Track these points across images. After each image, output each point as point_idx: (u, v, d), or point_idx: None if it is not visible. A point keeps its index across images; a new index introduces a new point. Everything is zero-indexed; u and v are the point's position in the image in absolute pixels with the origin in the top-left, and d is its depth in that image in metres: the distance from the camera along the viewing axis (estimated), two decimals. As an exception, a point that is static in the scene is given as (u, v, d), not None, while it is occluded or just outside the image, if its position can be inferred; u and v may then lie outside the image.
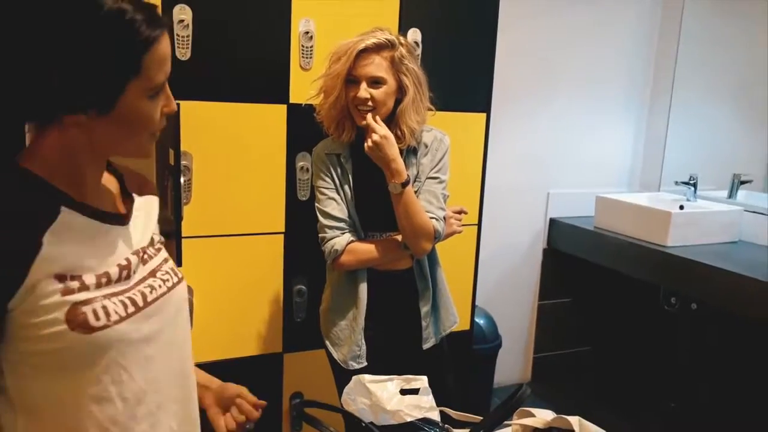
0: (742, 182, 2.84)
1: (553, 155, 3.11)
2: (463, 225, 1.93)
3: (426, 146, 1.74)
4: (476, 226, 2.47)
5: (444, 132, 1.80)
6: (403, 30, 2.19)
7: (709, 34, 3.03)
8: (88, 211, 0.82)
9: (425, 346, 1.81)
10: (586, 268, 3.07)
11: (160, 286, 0.91)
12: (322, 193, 1.72)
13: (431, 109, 1.74)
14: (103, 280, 0.81)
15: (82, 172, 0.83)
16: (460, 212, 1.91)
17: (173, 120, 1.74)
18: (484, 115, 2.40)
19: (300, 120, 2.08)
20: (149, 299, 0.87)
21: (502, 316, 2.93)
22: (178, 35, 1.87)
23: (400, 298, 1.80)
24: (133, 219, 0.91)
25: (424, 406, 1.15)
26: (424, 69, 1.71)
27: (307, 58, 2.06)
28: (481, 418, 1.11)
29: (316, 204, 1.74)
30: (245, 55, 2.00)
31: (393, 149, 1.61)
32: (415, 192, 1.70)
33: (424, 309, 1.80)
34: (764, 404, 2.65)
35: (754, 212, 2.73)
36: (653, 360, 3.20)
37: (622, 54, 3.18)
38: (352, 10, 2.11)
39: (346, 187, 1.72)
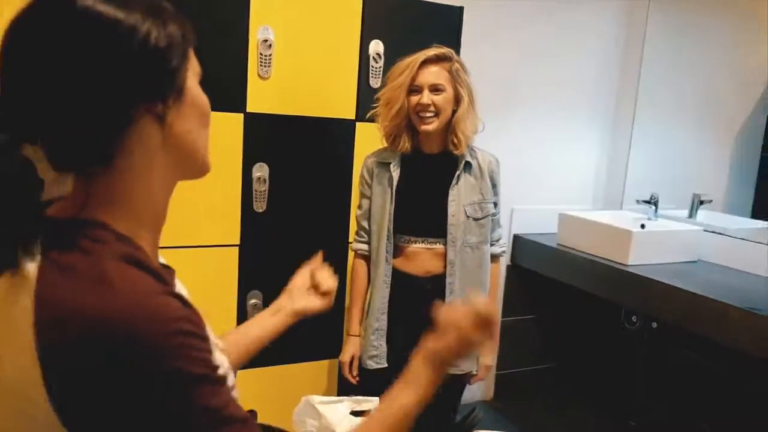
0: (702, 202, 2.86)
1: (517, 171, 3.10)
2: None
3: (492, 171, 1.94)
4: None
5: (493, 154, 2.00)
6: (365, 41, 2.17)
7: (673, 52, 3.07)
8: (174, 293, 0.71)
9: None
10: (549, 286, 3.06)
11: None
12: (360, 201, 1.96)
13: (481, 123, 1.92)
14: None
15: (162, 214, 0.81)
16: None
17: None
18: (446, 129, 2.38)
19: (257, 130, 2.04)
20: None
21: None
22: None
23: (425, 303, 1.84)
24: None
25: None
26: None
27: (265, 66, 2.02)
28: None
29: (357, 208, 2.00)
30: (201, 62, 1.94)
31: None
32: (493, 216, 1.96)
33: None
34: (721, 423, 2.66)
35: (713, 232, 2.75)
36: (614, 378, 3.20)
37: (585, 71, 3.20)
38: (313, 19, 2.07)
39: (389, 193, 1.85)
